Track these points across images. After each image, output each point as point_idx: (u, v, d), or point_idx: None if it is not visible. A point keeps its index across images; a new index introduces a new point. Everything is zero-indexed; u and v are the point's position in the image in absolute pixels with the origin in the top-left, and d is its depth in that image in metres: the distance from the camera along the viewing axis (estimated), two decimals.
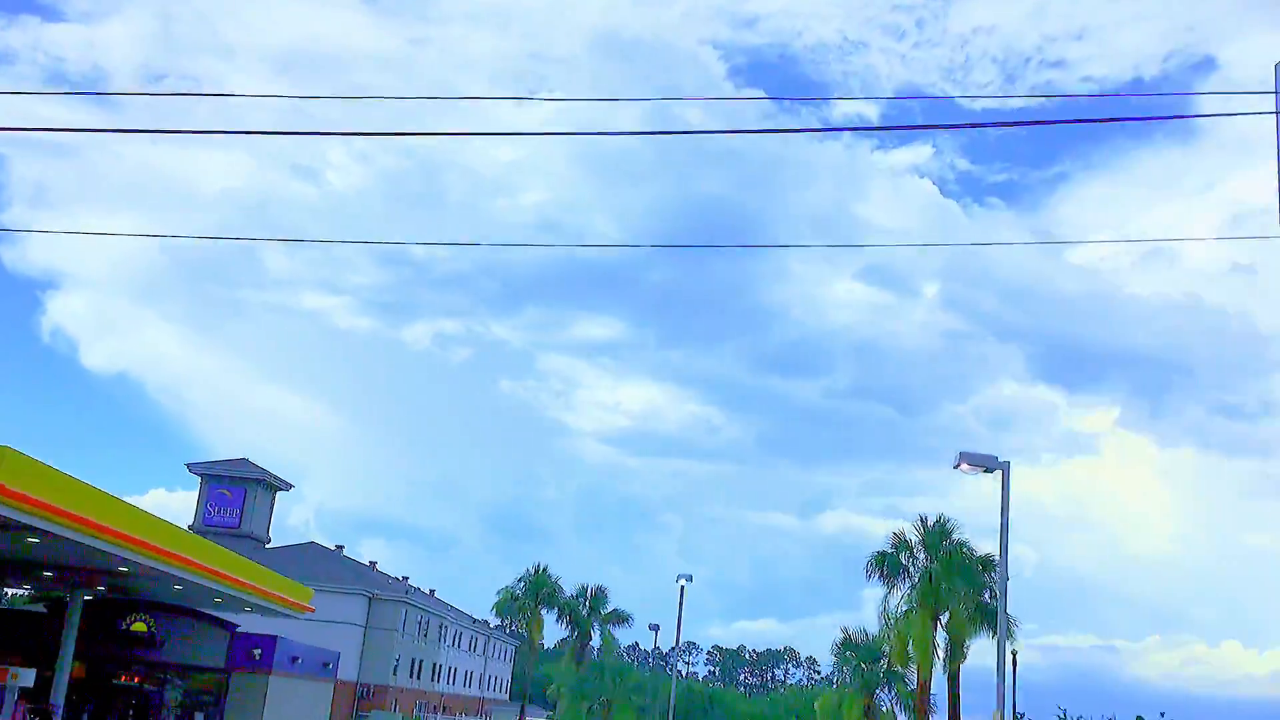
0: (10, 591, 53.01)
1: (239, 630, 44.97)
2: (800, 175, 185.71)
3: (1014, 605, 43.38)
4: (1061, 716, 51.43)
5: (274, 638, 44.85)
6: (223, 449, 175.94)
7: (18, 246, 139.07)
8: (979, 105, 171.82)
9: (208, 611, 44.49)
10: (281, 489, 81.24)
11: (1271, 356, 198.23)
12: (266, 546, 77.84)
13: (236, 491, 77.67)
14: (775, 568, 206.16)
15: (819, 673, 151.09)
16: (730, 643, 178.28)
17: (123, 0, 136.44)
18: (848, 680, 49.49)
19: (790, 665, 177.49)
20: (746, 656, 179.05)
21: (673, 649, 43.85)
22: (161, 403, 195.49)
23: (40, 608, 46.68)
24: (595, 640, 76.18)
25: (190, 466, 78.87)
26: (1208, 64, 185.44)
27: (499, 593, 73.44)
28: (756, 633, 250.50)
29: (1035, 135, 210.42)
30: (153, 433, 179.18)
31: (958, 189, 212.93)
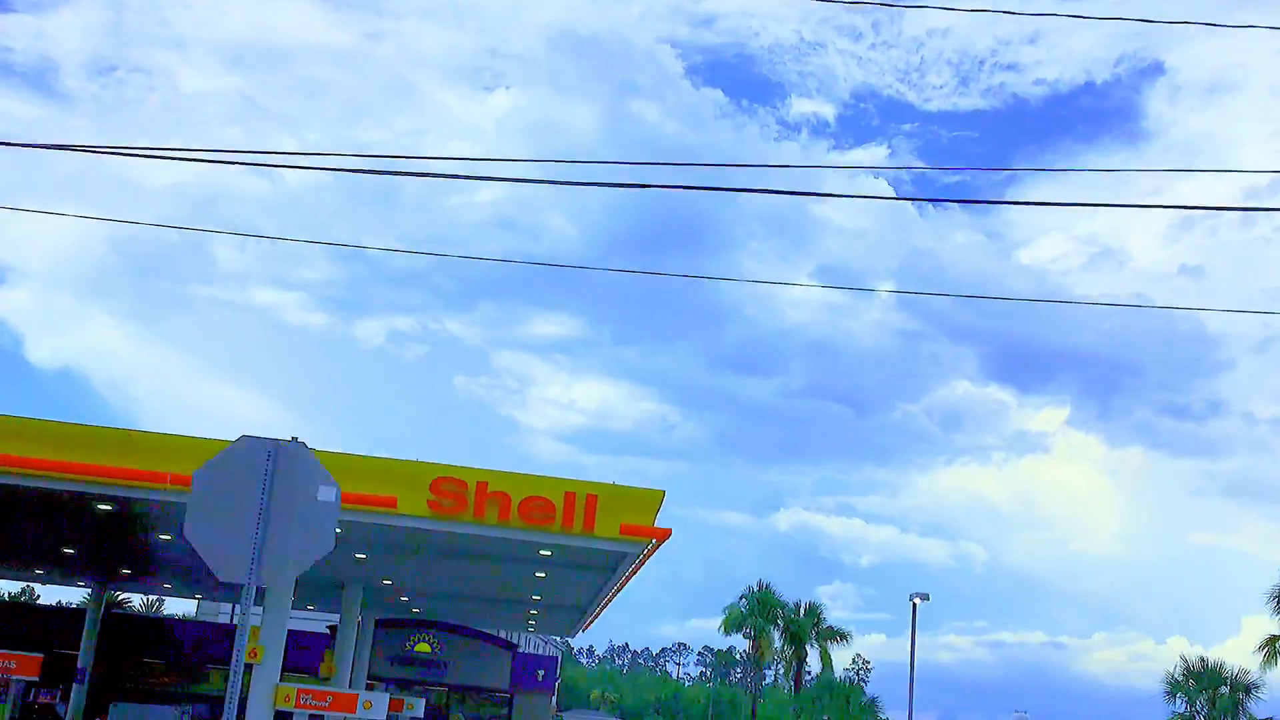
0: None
1: (520, 650, 43.94)
2: (756, 174, 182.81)
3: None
4: None
5: (555, 658, 43.71)
6: None
7: None
8: (933, 106, 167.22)
9: (488, 632, 43.63)
10: None
11: (1218, 357, 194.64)
12: None
13: None
14: (729, 566, 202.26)
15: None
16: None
17: None
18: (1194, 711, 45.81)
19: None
20: (738, 657, 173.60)
21: (910, 674, 41.06)
22: (107, 398, 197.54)
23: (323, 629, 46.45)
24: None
25: None
26: (1155, 69, 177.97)
27: (725, 609, 71.51)
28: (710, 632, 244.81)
29: (987, 137, 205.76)
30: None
31: (913, 190, 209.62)
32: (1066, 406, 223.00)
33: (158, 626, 45.35)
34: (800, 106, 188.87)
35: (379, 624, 41.13)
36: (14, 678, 23.70)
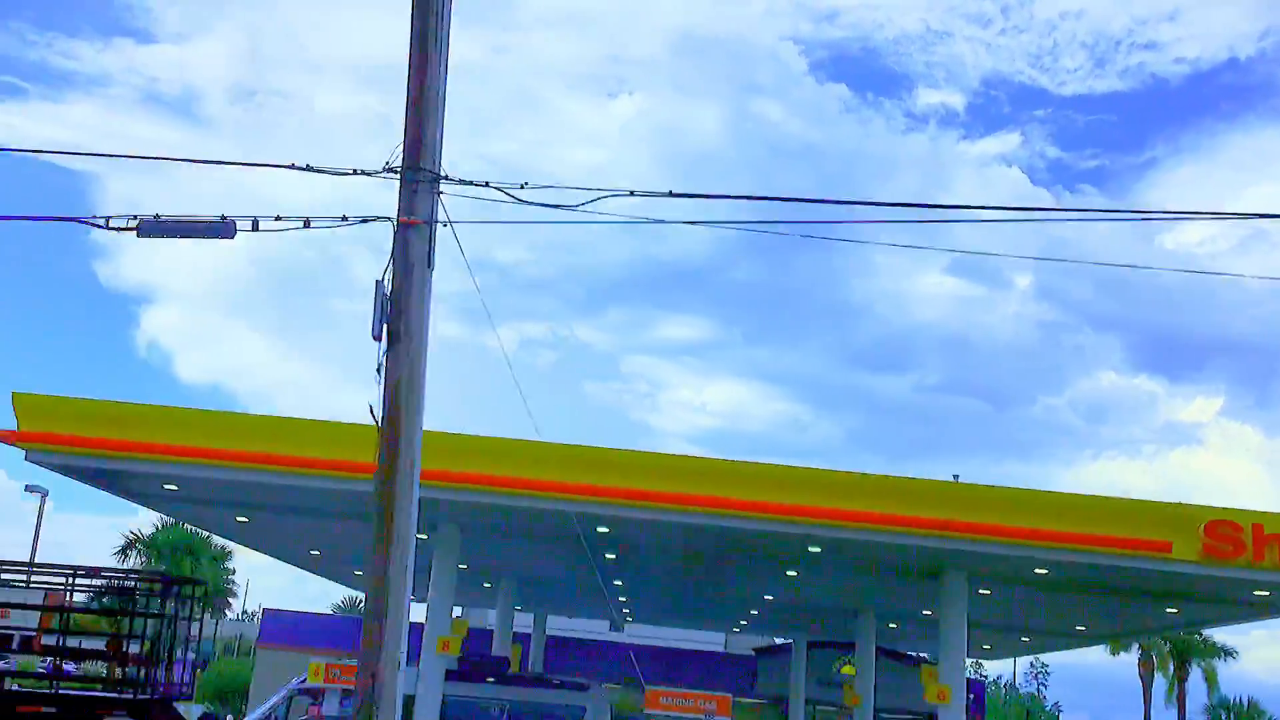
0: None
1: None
2: (883, 169, 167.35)
3: None
4: None
5: (982, 683, 42.83)
6: None
7: (113, 263, 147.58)
8: (1068, 90, 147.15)
9: (913, 654, 43.34)
10: None
11: None
12: None
13: None
14: None
15: None
16: None
17: (212, 20, 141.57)
18: None
19: None
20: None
21: None
22: (254, 412, 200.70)
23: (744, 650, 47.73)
24: None
25: None
26: None
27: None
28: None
29: (1125, 120, 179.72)
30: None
31: (1048, 177, 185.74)
32: (1220, 396, 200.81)
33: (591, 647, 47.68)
34: (927, 97, 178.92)
35: (810, 645, 41.85)
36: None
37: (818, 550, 19.39)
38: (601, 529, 19.54)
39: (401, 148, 8.99)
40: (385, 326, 8.69)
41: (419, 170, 8.87)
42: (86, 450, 17.35)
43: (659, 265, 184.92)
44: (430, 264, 8.89)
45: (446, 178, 9.03)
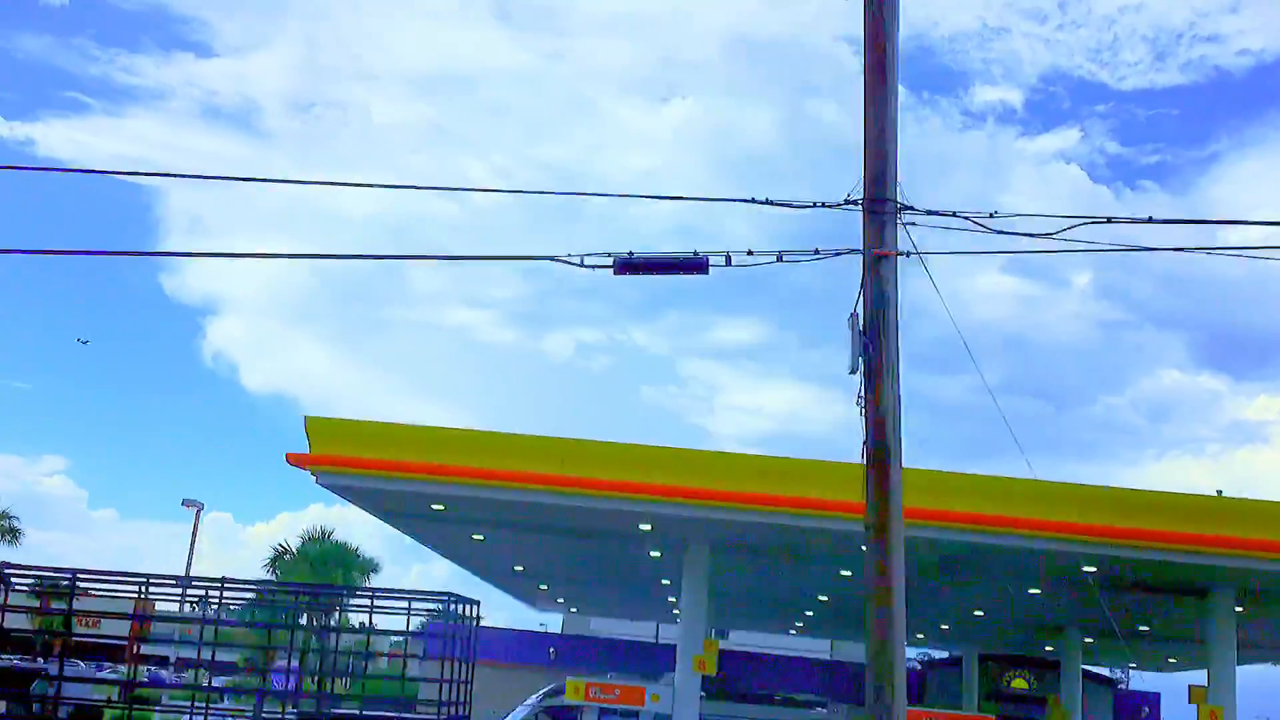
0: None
1: (1121, 687, 42.53)
2: (941, 167, 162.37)
3: None
4: None
5: (1157, 694, 41.88)
6: None
7: (178, 276, 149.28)
8: (1128, 85, 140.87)
9: (1086, 667, 42.52)
10: None
11: None
12: None
13: None
14: None
15: None
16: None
17: (270, 34, 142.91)
18: None
19: None
20: None
21: None
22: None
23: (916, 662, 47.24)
24: None
25: None
26: None
27: None
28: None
29: (1187, 113, 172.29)
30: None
31: (1108, 174, 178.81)
32: None
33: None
34: (985, 94, 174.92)
35: (981, 659, 41.25)
36: None
37: (1092, 570, 19.03)
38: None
39: (862, 180, 8.97)
40: (861, 361, 8.65)
41: (884, 202, 8.84)
42: (374, 471, 17.67)
43: (715, 268, 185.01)
44: (898, 295, 8.84)
45: (911, 208, 8.98)
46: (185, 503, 46.47)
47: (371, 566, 61.69)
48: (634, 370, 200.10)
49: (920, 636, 39.80)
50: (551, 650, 45.11)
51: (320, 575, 55.11)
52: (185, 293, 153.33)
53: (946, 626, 34.68)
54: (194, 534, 46.95)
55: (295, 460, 17.56)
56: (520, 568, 29.19)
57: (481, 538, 23.44)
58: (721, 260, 8.95)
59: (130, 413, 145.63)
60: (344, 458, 17.57)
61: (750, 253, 8.99)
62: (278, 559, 59.10)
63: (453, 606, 21.28)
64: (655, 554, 22.44)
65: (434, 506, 19.52)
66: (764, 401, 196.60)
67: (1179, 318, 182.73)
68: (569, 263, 9.00)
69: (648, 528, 19.51)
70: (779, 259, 8.96)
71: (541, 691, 24.98)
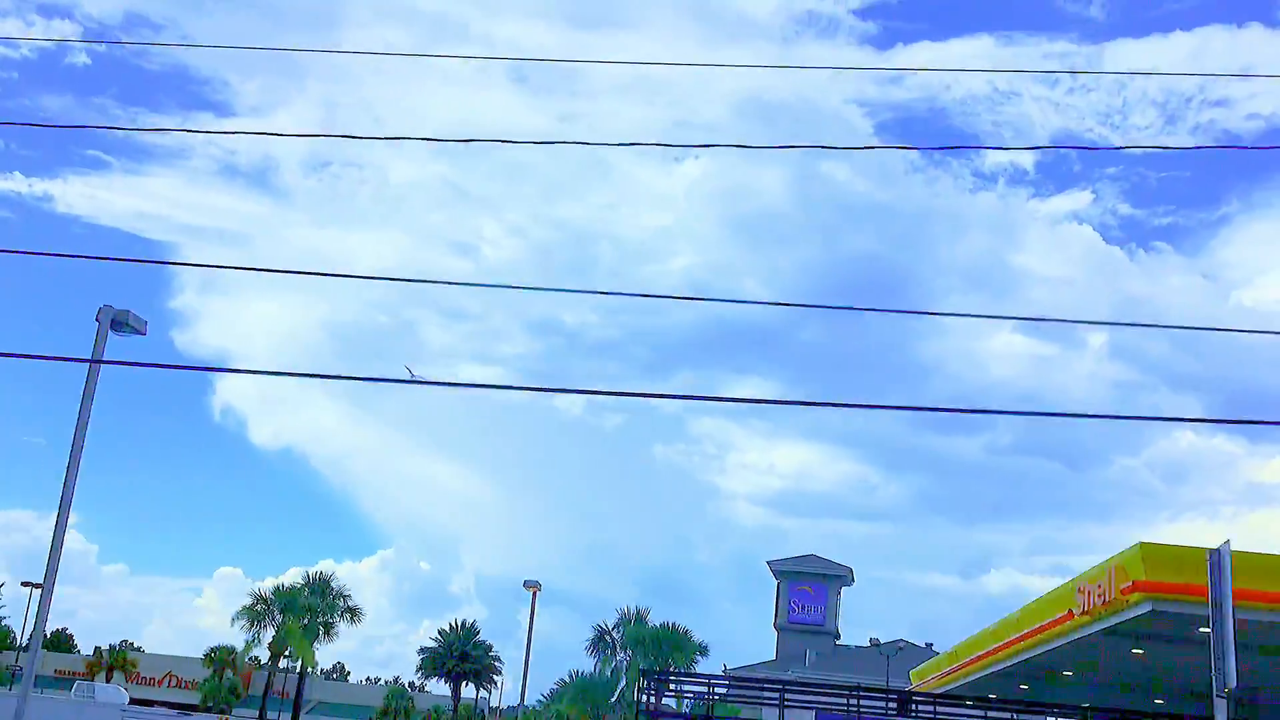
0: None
1: None
2: (952, 227, 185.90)
3: None
4: None
5: None
6: (385, 519, 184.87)
7: (189, 330, 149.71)
8: (1139, 150, 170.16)
9: None
10: (846, 584, 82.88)
11: None
12: (838, 643, 79.33)
13: (818, 588, 79.58)
14: (936, 630, 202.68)
15: None
16: None
17: (290, 94, 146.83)
18: None
19: None
20: None
21: None
22: (328, 477, 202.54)
23: None
24: None
25: (771, 564, 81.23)
26: None
27: None
28: None
29: (1198, 176, 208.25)
30: (321, 505, 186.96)
31: (1121, 234, 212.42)
32: None
33: None
34: (996, 156, 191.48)
35: None
36: None
37: None
38: None
39: None
40: None
41: None
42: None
43: (726, 326, 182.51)
44: None
45: None
46: (525, 584, 45.56)
47: (702, 650, 59.15)
48: (646, 429, 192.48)
49: None
50: None
51: (653, 658, 52.12)
52: (197, 347, 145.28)
53: None
54: (531, 615, 45.62)
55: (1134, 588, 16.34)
56: None
57: None
58: None
59: (140, 468, 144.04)
60: (1187, 585, 16.50)
61: None
62: (600, 639, 56.21)
63: None
64: None
65: None
66: (775, 459, 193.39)
67: (1194, 379, 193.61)
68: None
69: None
70: None
71: None
